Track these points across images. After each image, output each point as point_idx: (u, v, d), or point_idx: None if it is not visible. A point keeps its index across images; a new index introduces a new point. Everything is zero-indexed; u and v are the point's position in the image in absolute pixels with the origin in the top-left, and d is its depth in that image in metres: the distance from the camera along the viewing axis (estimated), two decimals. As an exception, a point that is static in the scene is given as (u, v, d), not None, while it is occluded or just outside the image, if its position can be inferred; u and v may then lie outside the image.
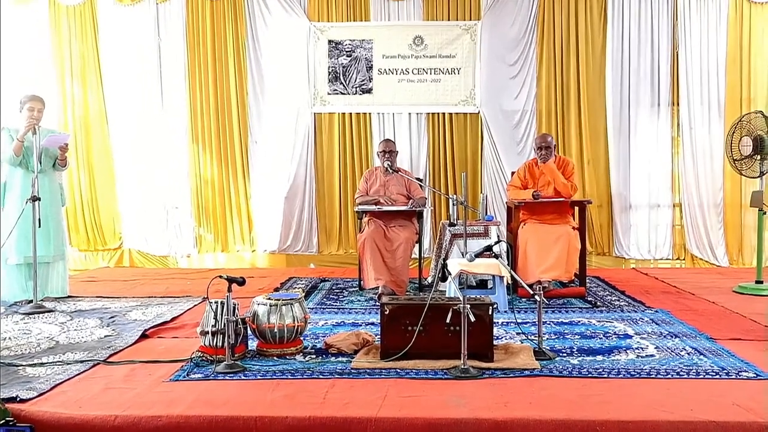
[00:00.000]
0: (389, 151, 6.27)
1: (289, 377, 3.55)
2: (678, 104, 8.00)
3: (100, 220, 8.42)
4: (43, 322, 4.93)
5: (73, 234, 8.24)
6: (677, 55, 7.95)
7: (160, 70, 8.24)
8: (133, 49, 8.22)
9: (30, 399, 3.18)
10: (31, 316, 5.15)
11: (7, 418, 2.97)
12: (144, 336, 4.51)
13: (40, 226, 5.33)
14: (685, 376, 3.53)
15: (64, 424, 3.01)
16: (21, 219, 5.39)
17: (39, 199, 5.30)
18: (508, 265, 4.63)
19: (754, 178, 6.12)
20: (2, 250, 5.51)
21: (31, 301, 5.41)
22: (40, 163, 5.54)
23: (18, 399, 3.15)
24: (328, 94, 8.19)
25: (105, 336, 4.50)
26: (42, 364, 3.80)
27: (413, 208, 6.11)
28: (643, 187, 8.09)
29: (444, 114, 8.16)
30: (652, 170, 8.07)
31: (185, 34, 8.21)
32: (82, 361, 3.85)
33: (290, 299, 4.07)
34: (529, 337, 4.23)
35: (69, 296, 5.95)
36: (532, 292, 3.95)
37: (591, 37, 8.02)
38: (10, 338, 4.44)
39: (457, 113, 8.15)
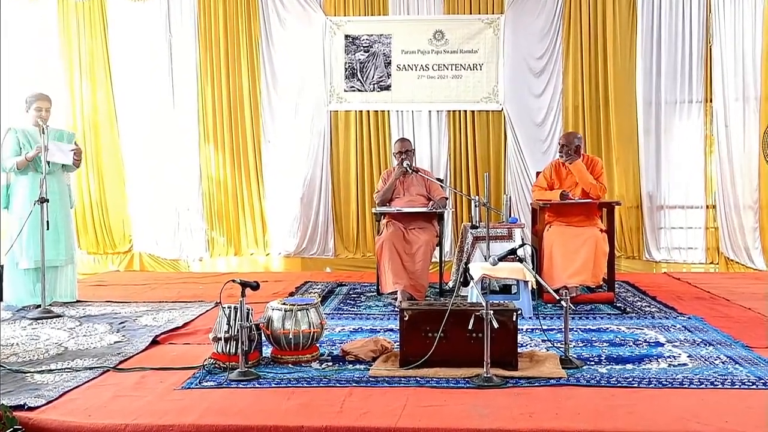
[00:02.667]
0: (406, 150, 6.26)
1: (305, 385, 3.56)
2: (712, 101, 7.94)
3: (110, 223, 8.49)
4: (52, 328, 4.98)
5: (82, 236, 8.32)
6: (711, 49, 7.89)
7: (171, 68, 8.30)
8: (144, 47, 8.29)
9: (38, 407, 3.21)
10: (39, 321, 5.19)
11: (15, 427, 3.00)
12: (155, 342, 4.54)
13: (48, 229, 5.38)
14: (720, 386, 3.49)
15: (74, 432, 3.04)
16: (29, 221, 5.44)
17: (47, 201, 5.35)
18: (532, 269, 4.62)
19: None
20: (12, 253, 5.57)
21: (39, 306, 5.47)
22: (49, 164, 5.59)
23: (26, 407, 3.18)
24: (345, 91, 8.21)
25: (115, 342, 4.53)
26: (50, 371, 3.83)
27: (434, 210, 6.10)
28: (675, 188, 8.04)
29: (466, 111, 8.15)
30: (685, 170, 8.02)
31: (197, 30, 8.27)
32: (91, 368, 3.88)
33: (306, 304, 4.08)
34: (555, 344, 4.21)
35: (78, 301, 6.00)
36: (558, 298, 3.94)
37: (620, 31, 7.98)
38: (17, 344, 4.49)
39: (479, 111, 8.14)
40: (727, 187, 7.88)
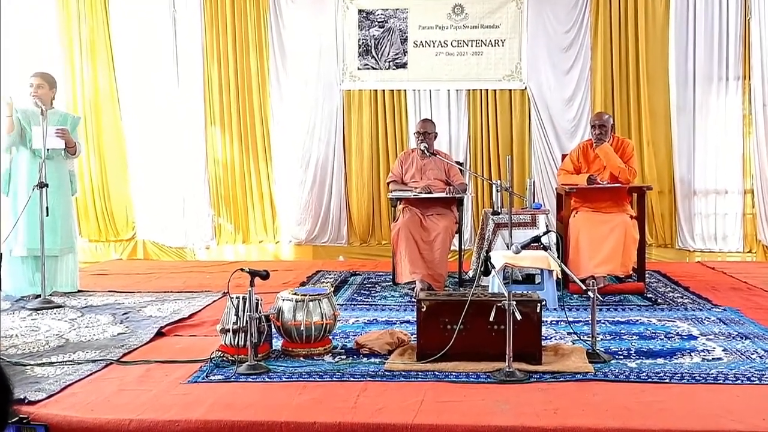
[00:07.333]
0: (425, 132, 6.24)
1: (317, 379, 3.58)
2: (750, 78, 7.84)
3: (112, 209, 8.52)
4: (52, 319, 5.03)
5: (83, 223, 8.33)
6: (749, 22, 7.79)
7: (175, 47, 8.29)
8: (147, 24, 8.27)
9: (39, 401, 3.25)
10: (39, 312, 5.24)
11: (21, 416, 3.02)
12: (160, 334, 4.57)
13: (47, 215, 5.41)
14: (757, 381, 3.48)
15: (76, 428, 3.07)
16: (27, 208, 5.47)
17: (47, 186, 5.38)
18: (558, 257, 4.61)
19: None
20: (7, 240, 5.61)
21: (39, 296, 5.52)
22: (48, 150, 5.61)
23: (26, 401, 3.22)
24: (359, 69, 8.19)
25: (118, 334, 4.57)
26: (51, 364, 3.87)
27: (453, 195, 6.09)
28: (709, 172, 7.96)
29: (487, 90, 8.11)
30: (720, 152, 7.94)
31: (202, 6, 8.25)
32: (93, 361, 3.92)
33: (318, 294, 4.09)
34: (582, 337, 4.20)
35: (79, 291, 6.05)
36: (584, 288, 3.93)
37: (652, 3, 7.89)
38: (17, 336, 4.54)
39: (501, 90, 8.10)
40: (766, 171, 7.79)
